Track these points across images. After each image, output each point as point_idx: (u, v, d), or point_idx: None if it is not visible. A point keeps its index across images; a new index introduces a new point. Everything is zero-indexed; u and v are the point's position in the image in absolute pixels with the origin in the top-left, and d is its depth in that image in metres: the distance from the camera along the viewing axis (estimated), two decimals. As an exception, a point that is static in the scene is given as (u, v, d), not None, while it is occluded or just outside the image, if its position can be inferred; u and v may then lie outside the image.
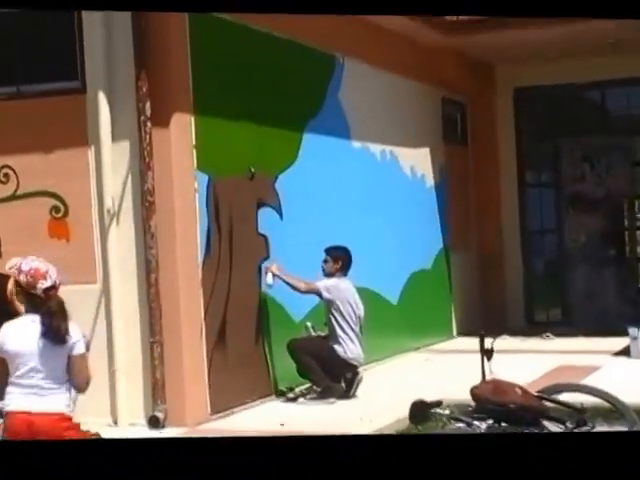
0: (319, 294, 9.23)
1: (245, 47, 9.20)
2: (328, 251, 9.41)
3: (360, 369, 9.42)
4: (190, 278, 8.35)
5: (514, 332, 13.50)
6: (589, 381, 9.77)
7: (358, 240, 10.94)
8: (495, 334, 12.98)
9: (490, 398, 7.39)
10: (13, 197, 8.66)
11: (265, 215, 9.43)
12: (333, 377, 9.14)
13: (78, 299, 8.33)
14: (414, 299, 12.33)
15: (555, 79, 14.26)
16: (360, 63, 11.29)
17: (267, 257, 9.38)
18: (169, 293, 8.19)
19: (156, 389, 8.13)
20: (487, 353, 7.77)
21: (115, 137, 8.27)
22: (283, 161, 9.80)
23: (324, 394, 8.97)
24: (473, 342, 12.96)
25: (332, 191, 10.60)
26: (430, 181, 13.18)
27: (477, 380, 9.41)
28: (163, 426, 8.04)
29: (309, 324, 9.48)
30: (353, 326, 9.29)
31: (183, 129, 8.35)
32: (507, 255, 14.75)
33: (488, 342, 7.84)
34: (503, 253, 14.75)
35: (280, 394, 9.27)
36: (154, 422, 8.04)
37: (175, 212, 8.24)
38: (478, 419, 7.28)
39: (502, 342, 12.90)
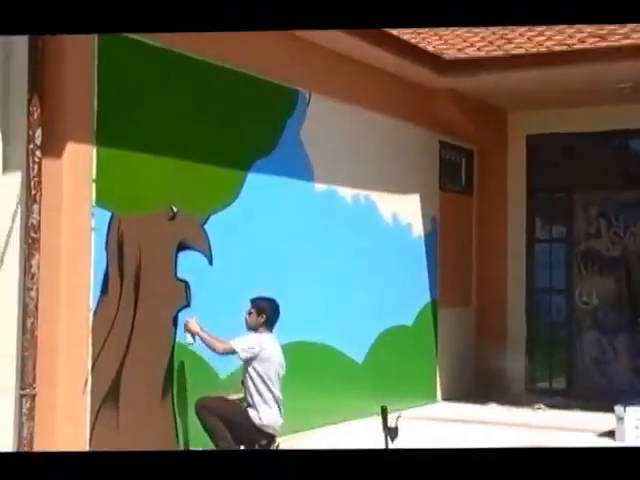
0: (236, 353, 8.23)
1: (175, 75, 8.33)
2: (253, 302, 8.38)
3: (277, 437, 8.34)
4: (76, 325, 7.40)
5: (509, 400, 12.40)
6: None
7: (314, 291, 10.02)
8: (487, 400, 12.26)
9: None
10: None
11: (188, 259, 8.48)
12: (246, 445, 8.10)
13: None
14: (386, 357, 11.22)
15: (572, 127, 13.11)
16: (332, 100, 10.34)
17: (187, 305, 8.42)
18: (47, 341, 7.25)
19: (21, 449, 7.22)
20: (391, 431, 6.73)
21: (7, 167, 7.43)
22: (218, 201, 8.85)
23: (230, 463, 7.93)
24: (460, 408, 12.03)
25: (283, 236, 9.61)
26: (418, 230, 12.09)
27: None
28: (27, 490, 7.10)
29: None
30: (272, 388, 8.21)
31: (80, 160, 7.45)
32: (510, 314, 13.52)
33: (392, 419, 6.82)
34: (506, 312, 13.54)
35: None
36: (16, 485, 7.10)
37: (62, 251, 7.32)
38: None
39: (488, 410, 11.94)
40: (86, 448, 7.43)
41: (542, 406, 11.99)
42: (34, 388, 7.23)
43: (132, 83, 7.93)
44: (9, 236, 7.42)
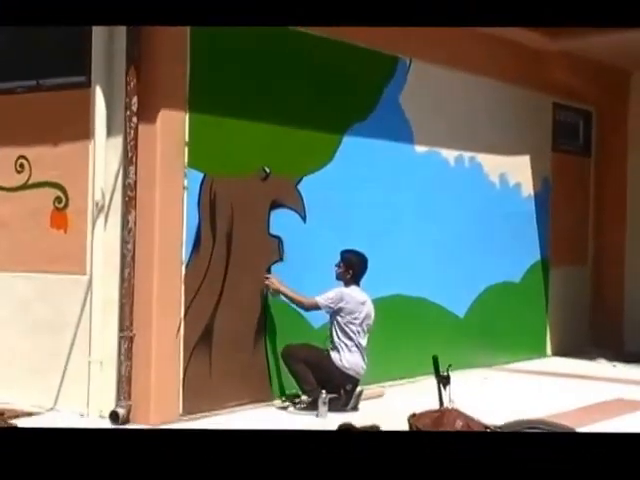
0: (321, 308, 8.58)
1: (271, 43, 8.66)
2: (342, 255, 8.70)
3: (360, 383, 8.67)
4: (170, 275, 7.91)
5: (620, 358, 12.28)
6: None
7: (411, 248, 10.23)
8: (596, 356, 12.17)
9: (421, 429, 6.58)
10: (25, 186, 8.57)
11: (282, 217, 8.86)
12: (331, 388, 8.44)
13: (70, 289, 8.30)
14: (490, 313, 11.32)
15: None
16: (435, 66, 10.47)
17: (280, 259, 8.83)
18: (143, 289, 7.81)
19: (120, 385, 7.80)
20: (442, 379, 6.91)
21: (110, 132, 7.98)
22: (313, 162, 9.17)
23: (314, 405, 8.31)
24: (569, 363, 12.01)
25: (380, 196, 9.86)
26: (527, 190, 12.07)
27: (530, 405, 8.60)
28: (123, 422, 7.70)
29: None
30: (354, 336, 8.53)
31: (173, 125, 7.90)
32: (628, 274, 13.34)
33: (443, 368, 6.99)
34: (624, 273, 13.34)
35: (284, 401, 8.72)
36: (114, 417, 7.70)
37: (156, 208, 7.82)
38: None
39: (596, 366, 11.85)
40: (179, 388, 7.97)
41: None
42: (131, 331, 7.81)
43: (226, 52, 8.29)
44: (112, 193, 8.01)
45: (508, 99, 11.64)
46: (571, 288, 12.85)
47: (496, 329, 11.43)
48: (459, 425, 6.58)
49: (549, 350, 12.50)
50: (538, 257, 12.26)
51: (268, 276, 8.61)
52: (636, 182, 13.32)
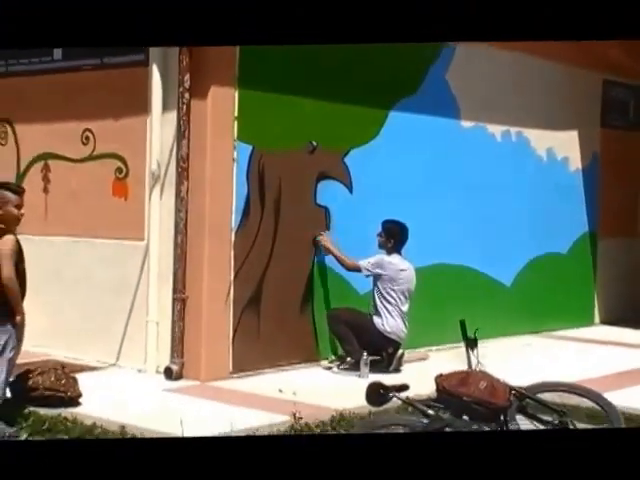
0: (361, 271, 8.87)
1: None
2: (383, 225, 8.96)
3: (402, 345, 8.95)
4: (220, 242, 8.28)
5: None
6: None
7: (457, 219, 10.42)
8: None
9: (448, 389, 6.78)
10: (90, 157, 9.02)
11: (328, 188, 9.14)
12: (373, 350, 8.73)
13: (129, 253, 8.73)
14: (537, 282, 11.47)
15: None
16: (480, 45, 10.58)
17: (327, 228, 9.13)
18: (195, 254, 8.19)
19: (174, 343, 8.21)
20: (469, 342, 7.10)
21: (165, 107, 8.36)
22: (360, 136, 9.42)
23: (357, 366, 8.61)
24: (615, 331, 12.08)
25: (424, 169, 10.08)
26: (575, 165, 12.14)
27: (575, 371, 8.77)
28: (177, 378, 8.11)
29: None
30: (395, 301, 8.80)
31: (223, 101, 8.25)
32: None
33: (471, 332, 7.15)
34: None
35: (330, 362, 9.03)
36: (168, 373, 8.12)
37: (207, 179, 8.20)
38: (435, 408, 6.73)
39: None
40: (229, 348, 8.35)
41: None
42: (184, 293, 8.21)
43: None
44: (167, 165, 8.39)
45: (557, 76, 11.71)
46: (620, 259, 12.89)
47: (543, 298, 11.57)
48: (483, 385, 6.73)
49: (597, 319, 12.58)
50: (586, 229, 12.35)
51: (322, 233, 8.90)
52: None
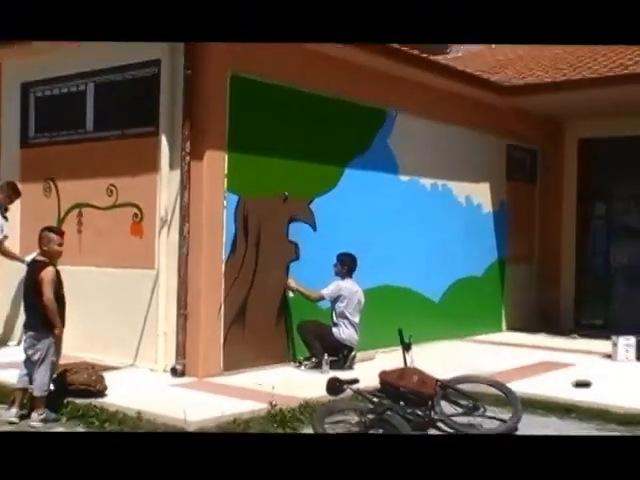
0: (325, 298, 8.83)
1: (287, 103, 8.95)
2: (338, 256, 8.97)
3: (354, 349, 8.90)
4: (213, 271, 8.25)
5: (557, 332, 12.38)
6: (559, 375, 8.80)
7: (397, 251, 10.43)
8: (539, 331, 12.24)
9: (389, 381, 6.80)
10: (114, 206, 8.98)
11: (297, 228, 9.13)
12: (332, 353, 8.69)
13: (144, 279, 8.63)
14: (459, 298, 11.50)
15: (612, 132, 12.83)
16: (416, 117, 10.68)
17: (296, 259, 9.10)
18: (194, 280, 8.16)
19: (178, 348, 8.14)
20: (406, 346, 7.10)
21: (171, 167, 8.33)
22: (321, 188, 9.44)
23: (320, 365, 8.56)
24: (517, 336, 12.11)
25: (372, 212, 10.10)
26: (487, 209, 12.23)
27: (488, 367, 8.76)
28: (180, 375, 8.02)
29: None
30: (350, 316, 8.80)
31: (216, 162, 8.25)
32: (563, 270, 13.44)
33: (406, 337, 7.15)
34: (560, 268, 13.44)
35: (299, 363, 8.96)
36: (174, 372, 8.04)
37: (203, 221, 8.18)
38: (379, 397, 6.72)
39: (538, 338, 11.93)
40: (220, 352, 8.28)
41: (576, 336, 11.90)
42: (186, 310, 8.14)
43: (254, 111, 8.60)
44: (173, 211, 8.34)
45: (473, 141, 11.82)
46: (522, 280, 12.97)
47: (463, 311, 11.60)
48: (415, 379, 6.76)
49: (504, 326, 12.61)
50: (497, 257, 12.41)
51: (290, 278, 8.86)
52: (569, 203, 13.43)
